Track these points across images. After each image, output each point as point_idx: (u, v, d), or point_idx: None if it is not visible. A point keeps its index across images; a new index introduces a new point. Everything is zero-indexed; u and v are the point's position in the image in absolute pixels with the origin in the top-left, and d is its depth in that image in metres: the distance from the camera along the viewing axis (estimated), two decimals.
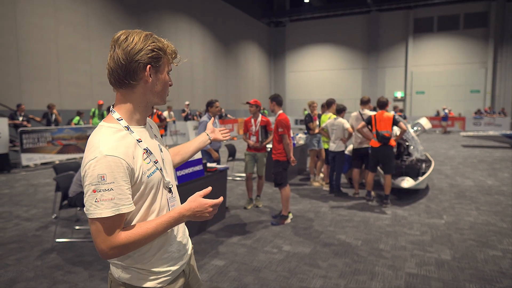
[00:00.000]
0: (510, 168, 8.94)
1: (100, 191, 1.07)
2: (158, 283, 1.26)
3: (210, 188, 1.30)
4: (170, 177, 1.34)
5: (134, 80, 1.18)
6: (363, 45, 26.88)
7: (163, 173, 1.27)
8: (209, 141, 1.73)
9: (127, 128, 1.20)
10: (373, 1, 24.29)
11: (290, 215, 4.98)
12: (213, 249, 3.92)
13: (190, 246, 1.47)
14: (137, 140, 1.20)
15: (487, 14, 23.55)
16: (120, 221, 1.12)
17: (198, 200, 1.22)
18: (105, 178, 1.07)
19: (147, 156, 1.21)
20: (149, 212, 1.22)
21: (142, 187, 1.18)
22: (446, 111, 20.59)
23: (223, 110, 19.52)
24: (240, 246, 4.04)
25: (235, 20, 23.96)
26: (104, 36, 14.01)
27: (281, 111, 4.97)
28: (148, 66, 1.17)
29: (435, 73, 25.35)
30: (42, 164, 9.70)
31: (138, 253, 1.23)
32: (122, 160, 1.10)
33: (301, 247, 4.01)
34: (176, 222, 1.20)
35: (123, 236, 1.11)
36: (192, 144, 1.69)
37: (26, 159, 9.14)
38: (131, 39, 1.16)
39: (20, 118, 9.81)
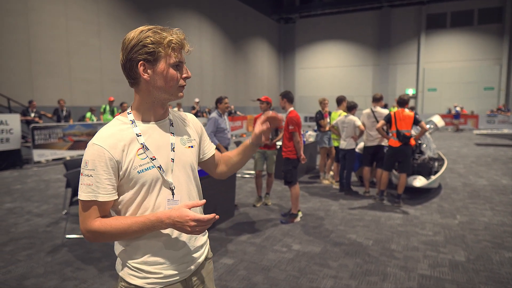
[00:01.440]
0: None
1: (83, 176, 1.15)
2: (147, 283, 1.23)
3: (203, 201, 1.22)
4: (179, 179, 1.27)
5: (134, 78, 1.21)
6: (374, 42, 26.54)
7: (163, 172, 1.22)
8: (250, 144, 1.48)
9: (132, 121, 1.23)
10: None
11: (300, 214, 4.92)
12: (222, 247, 3.90)
13: (201, 256, 1.37)
14: (137, 134, 1.20)
15: (502, 9, 23.02)
16: (98, 208, 1.15)
17: (180, 210, 1.13)
18: (87, 164, 1.14)
19: (143, 152, 1.19)
20: (141, 209, 1.21)
21: (132, 182, 1.18)
22: (458, 108, 20.23)
23: (232, 107, 19.50)
24: (249, 244, 4.00)
25: (245, 17, 23.86)
26: (114, 33, 14.08)
27: (292, 108, 4.90)
28: (140, 62, 1.16)
29: (447, 70, 24.91)
30: (53, 160, 9.80)
31: (131, 248, 1.23)
32: (106, 151, 1.14)
33: (311, 246, 3.95)
34: (152, 225, 1.14)
35: (97, 223, 1.15)
36: (237, 149, 1.53)
37: (38, 155, 9.25)
38: (128, 37, 1.18)
39: (32, 115, 9.93)
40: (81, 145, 10.37)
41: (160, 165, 1.22)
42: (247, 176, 7.90)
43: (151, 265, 1.23)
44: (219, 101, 5.42)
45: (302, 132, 6.05)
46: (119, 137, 1.18)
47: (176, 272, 1.27)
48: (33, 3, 11.29)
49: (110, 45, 13.94)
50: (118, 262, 1.30)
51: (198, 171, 1.42)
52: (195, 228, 1.12)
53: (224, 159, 1.54)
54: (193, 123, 1.42)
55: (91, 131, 10.67)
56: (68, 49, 12.48)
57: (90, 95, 13.40)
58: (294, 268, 3.41)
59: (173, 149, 1.27)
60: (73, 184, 4.19)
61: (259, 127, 1.44)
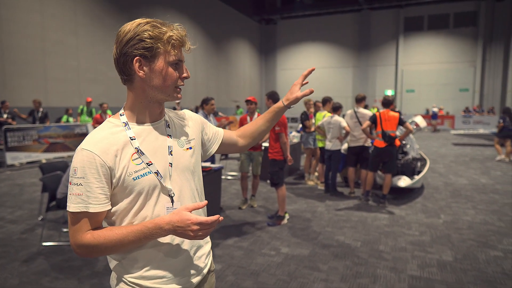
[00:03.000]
0: (502, 166, 8.98)
1: (72, 184, 1.04)
2: None
3: (205, 202, 1.12)
4: (178, 185, 1.16)
5: (127, 75, 1.10)
6: (354, 44, 26.92)
7: (161, 178, 1.11)
8: (283, 106, 1.45)
9: (125, 124, 1.11)
10: None
11: (287, 216, 4.86)
12: None
13: (204, 268, 1.27)
14: (130, 137, 1.09)
15: (477, 13, 23.80)
16: (89, 220, 1.05)
17: (181, 213, 1.03)
18: (76, 172, 1.03)
19: (138, 157, 1.08)
20: (137, 219, 1.09)
21: (127, 190, 1.07)
22: (435, 109, 20.75)
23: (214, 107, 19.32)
24: (237, 248, 3.90)
25: (226, 17, 23.73)
26: (92, 32, 13.69)
27: None
28: (135, 58, 1.06)
29: (425, 72, 25.55)
30: (27, 163, 9.39)
31: (128, 261, 1.12)
32: (97, 156, 1.03)
33: (299, 249, 3.89)
34: (150, 233, 1.03)
35: (89, 236, 1.04)
36: (263, 116, 1.48)
37: (11, 158, 8.83)
38: (123, 30, 1.07)
39: (5, 116, 9.47)
40: (57, 147, 9.98)
41: (157, 171, 1.11)
42: (229, 177, 7.78)
43: (150, 279, 1.12)
44: (205, 102, 5.29)
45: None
46: (111, 141, 1.07)
47: (177, 286, 1.16)
48: None
49: (87, 44, 13.54)
50: (113, 276, 1.18)
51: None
52: (198, 232, 1.02)
53: (247, 132, 1.50)
54: (191, 120, 1.32)
55: (68, 132, 10.30)
56: (44, 47, 12.02)
57: (67, 95, 12.96)
58: (283, 272, 3.33)
59: (170, 153, 1.16)
60: (49, 188, 3.98)
61: (299, 92, 1.42)
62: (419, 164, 6.67)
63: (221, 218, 1.05)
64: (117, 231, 1.03)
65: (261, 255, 3.71)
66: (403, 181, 5.78)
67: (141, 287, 1.11)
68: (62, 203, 3.88)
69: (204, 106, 5.31)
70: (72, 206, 1.03)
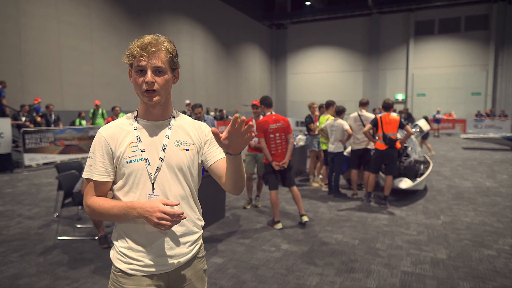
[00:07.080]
0: (509, 170, 8.97)
1: (88, 158, 1.36)
2: (130, 269, 1.33)
3: (177, 202, 1.24)
4: (164, 176, 1.33)
5: None
6: (364, 47, 26.95)
7: (148, 165, 1.31)
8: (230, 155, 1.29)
9: (135, 117, 1.40)
10: (374, 3, 24.38)
11: (279, 225, 4.66)
12: (212, 247, 3.99)
13: (189, 254, 1.40)
14: (134, 127, 1.35)
15: (488, 16, 23.60)
16: (94, 187, 1.33)
17: (154, 200, 1.21)
18: (91, 148, 1.35)
19: (136, 145, 1.32)
20: (128, 199, 1.33)
21: (121, 171, 1.32)
22: (440, 115, 20.34)
23: (224, 111, 19.64)
24: (239, 244, 4.10)
25: (237, 22, 24.08)
26: (106, 38, 14.14)
27: (269, 113, 4.84)
28: (129, 69, 1.34)
29: (436, 76, 25.40)
30: (44, 164, 9.79)
31: (120, 233, 1.36)
32: (104, 138, 1.33)
33: (298, 246, 4.07)
34: (126, 212, 1.24)
35: (92, 200, 1.32)
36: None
37: (29, 159, 9.24)
38: None
39: (23, 119, 9.91)
40: (72, 149, 10.38)
41: (147, 158, 1.32)
42: None
43: (135, 251, 1.33)
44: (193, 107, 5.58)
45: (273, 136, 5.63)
46: (119, 129, 1.35)
47: (158, 263, 1.34)
48: (25, 7, 11.31)
49: (102, 50, 13.99)
50: (113, 246, 1.42)
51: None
52: (161, 220, 1.17)
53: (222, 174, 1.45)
54: (201, 131, 1.44)
55: (83, 135, 10.70)
56: (60, 53, 12.50)
57: (81, 99, 13.41)
58: (281, 267, 3.52)
59: (164, 150, 1.34)
60: (65, 186, 4.25)
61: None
62: (422, 166, 6.77)
63: (184, 216, 1.20)
64: (108, 203, 1.30)
65: (261, 251, 3.91)
66: (404, 183, 5.90)
67: (127, 256, 1.34)
68: (77, 199, 4.14)
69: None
70: (84, 173, 1.35)
